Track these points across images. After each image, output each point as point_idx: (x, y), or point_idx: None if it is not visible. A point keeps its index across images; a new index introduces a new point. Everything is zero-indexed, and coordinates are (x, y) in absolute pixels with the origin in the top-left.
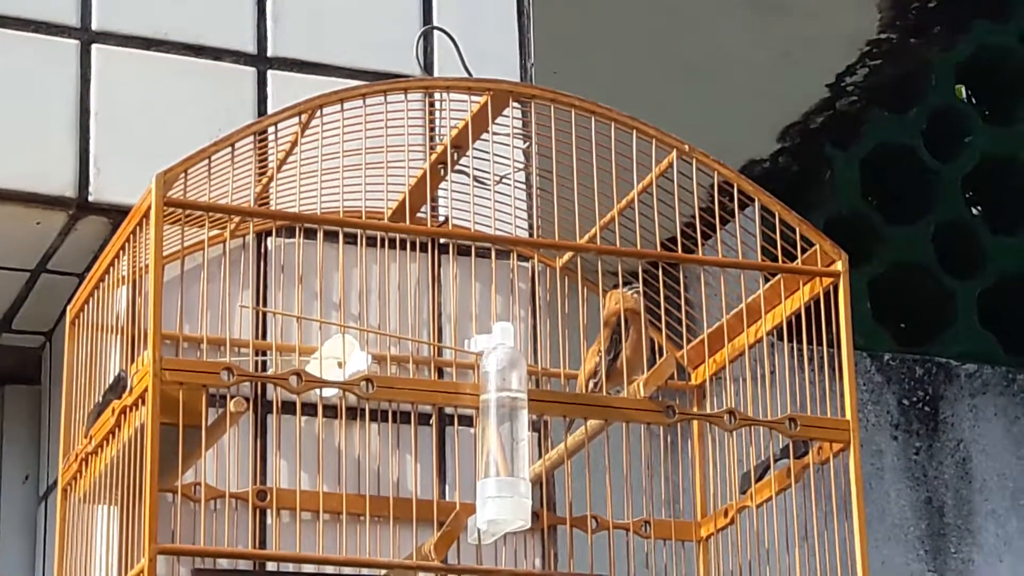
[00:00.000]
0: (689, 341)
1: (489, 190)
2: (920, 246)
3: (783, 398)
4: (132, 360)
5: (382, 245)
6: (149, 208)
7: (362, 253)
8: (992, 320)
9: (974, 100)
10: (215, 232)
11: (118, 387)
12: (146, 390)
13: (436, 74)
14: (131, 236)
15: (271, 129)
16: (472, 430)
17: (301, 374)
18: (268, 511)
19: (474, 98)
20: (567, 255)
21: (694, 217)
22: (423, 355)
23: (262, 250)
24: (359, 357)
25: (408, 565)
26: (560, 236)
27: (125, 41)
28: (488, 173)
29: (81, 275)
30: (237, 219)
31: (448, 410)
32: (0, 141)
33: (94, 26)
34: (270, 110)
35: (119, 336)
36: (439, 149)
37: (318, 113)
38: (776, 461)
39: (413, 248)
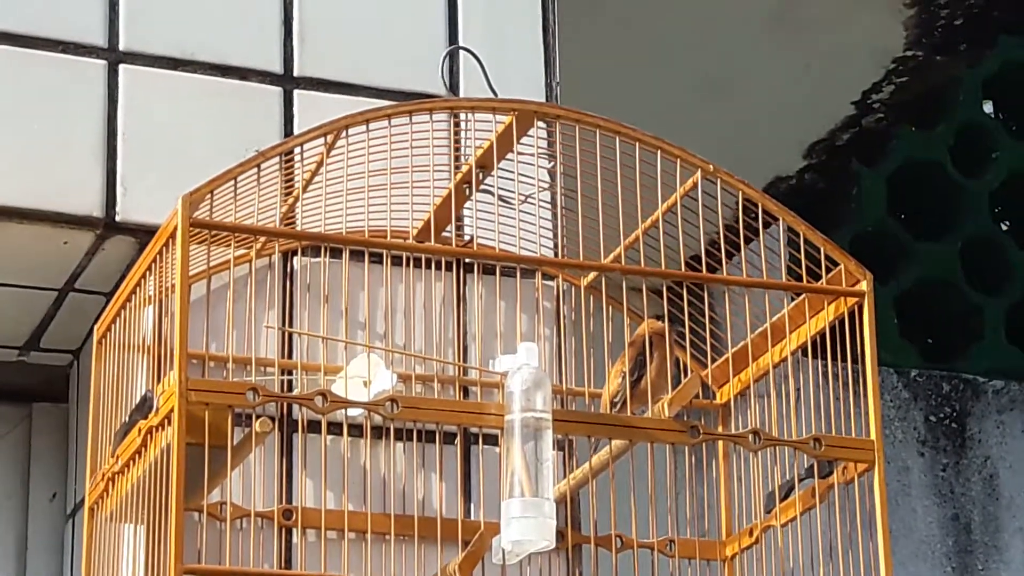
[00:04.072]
0: (714, 360)
1: (514, 209)
2: (947, 262)
3: (808, 416)
4: (158, 380)
5: (407, 264)
6: (176, 229)
7: (388, 272)
8: (1020, 336)
9: (1001, 116)
10: (241, 252)
11: (144, 407)
12: (172, 411)
13: (462, 93)
14: (158, 256)
15: (297, 150)
16: (497, 449)
17: (327, 394)
18: (294, 530)
19: (499, 118)
20: (592, 274)
21: (719, 236)
22: (448, 374)
23: (288, 270)
24: (384, 376)
25: None
26: (585, 255)
27: (152, 61)
28: (513, 193)
29: (108, 294)
30: (263, 239)
31: (473, 429)
32: (28, 161)
33: (121, 46)
34: (296, 129)
35: (146, 355)
36: (464, 169)
37: (344, 134)
38: (801, 480)
39: (438, 267)
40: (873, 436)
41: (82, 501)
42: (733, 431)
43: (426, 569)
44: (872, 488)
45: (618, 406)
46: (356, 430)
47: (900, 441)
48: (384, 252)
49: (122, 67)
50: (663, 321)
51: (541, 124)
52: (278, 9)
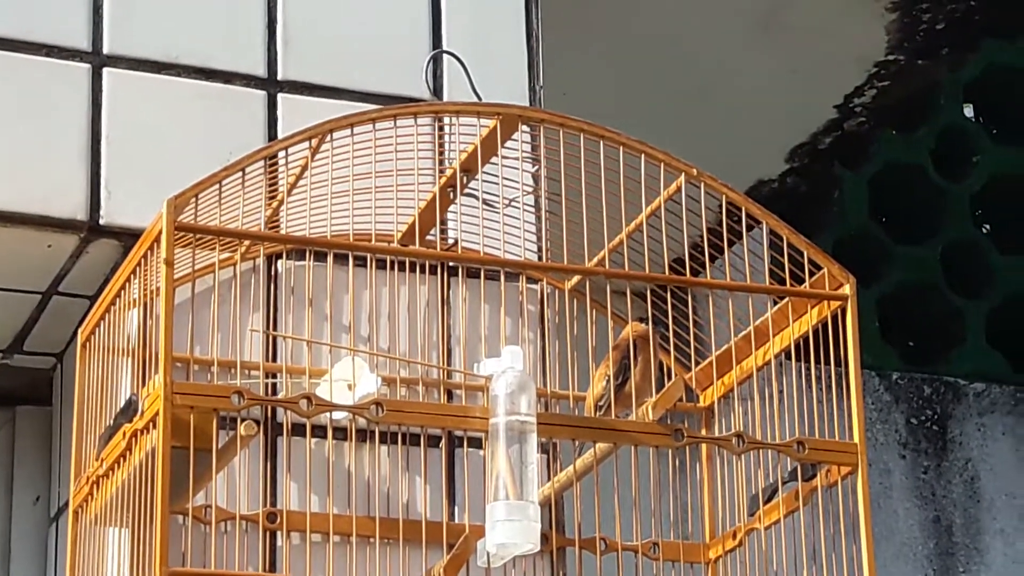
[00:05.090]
0: (697, 363)
1: (498, 213)
2: (928, 265)
3: (792, 419)
4: (143, 383)
5: (392, 268)
6: (160, 232)
7: (372, 276)
8: (1000, 339)
9: (982, 119)
10: (226, 255)
11: (129, 410)
12: (157, 414)
13: (445, 97)
14: (142, 259)
15: (281, 153)
16: (482, 452)
17: (311, 398)
18: (278, 533)
19: (484, 122)
20: (576, 278)
21: (702, 239)
22: (433, 378)
23: (272, 273)
24: (369, 379)
25: None
26: (569, 259)
27: (136, 65)
28: (497, 196)
29: (92, 297)
30: (248, 242)
31: (458, 433)
32: (12, 164)
33: (106, 50)
34: (280, 133)
35: (130, 359)
36: (448, 172)
37: (328, 137)
38: (784, 483)
39: (423, 271)
40: (856, 439)
41: (66, 504)
42: (717, 434)
43: (411, 572)
44: (855, 491)
45: (602, 409)
46: (341, 433)
47: (882, 444)
48: (368, 255)
49: (106, 71)
50: (647, 324)
51: (525, 128)
52: (262, 13)
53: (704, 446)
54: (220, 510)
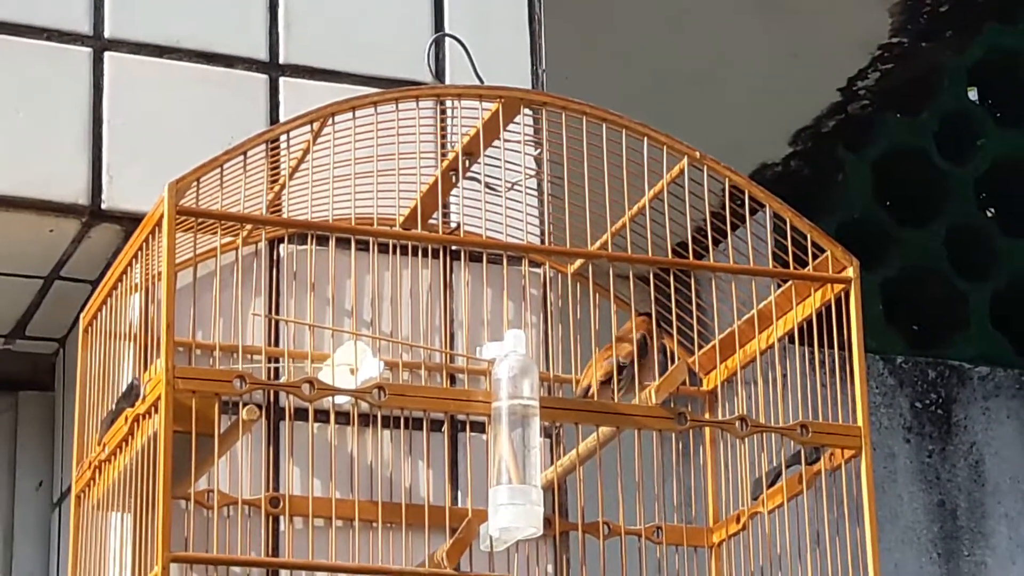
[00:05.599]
0: (701, 347)
1: (501, 197)
2: (932, 249)
3: (795, 402)
4: (145, 368)
5: (394, 252)
6: (162, 216)
7: (374, 260)
8: (1005, 322)
9: (986, 103)
10: (227, 239)
11: (131, 395)
12: (159, 398)
13: (447, 80)
14: (144, 244)
15: (283, 137)
16: (484, 436)
17: (314, 382)
18: (281, 518)
19: (486, 105)
20: (579, 261)
21: (705, 222)
22: (435, 362)
23: (274, 257)
24: (371, 364)
25: (421, 573)
26: (572, 242)
27: (138, 49)
28: (500, 180)
29: (94, 282)
30: (249, 226)
31: (460, 417)
32: (14, 149)
33: (107, 34)
34: (282, 117)
35: (132, 343)
36: (451, 156)
37: (330, 121)
38: (788, 467)
39: (425, 255)
40: (860, 422)
41: (68, 489)
42: (720, 418)
43: (413, 556)
44: (859, 474)
45: (623, 389)
46: (343, 417)
47: (886, 428)
48: (371, 239)
49: (107, 55)
50: (649, 308)
51: (527, 111)
52: None
53: (707, 430)
54: (222, 495)
